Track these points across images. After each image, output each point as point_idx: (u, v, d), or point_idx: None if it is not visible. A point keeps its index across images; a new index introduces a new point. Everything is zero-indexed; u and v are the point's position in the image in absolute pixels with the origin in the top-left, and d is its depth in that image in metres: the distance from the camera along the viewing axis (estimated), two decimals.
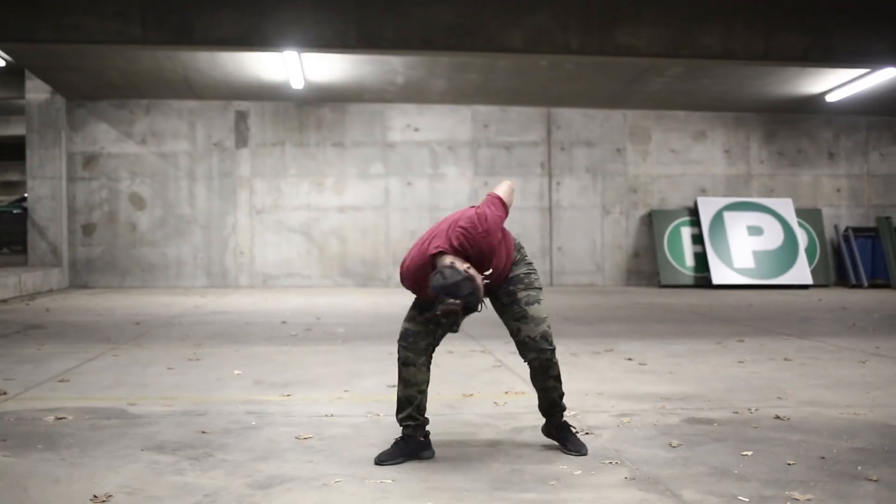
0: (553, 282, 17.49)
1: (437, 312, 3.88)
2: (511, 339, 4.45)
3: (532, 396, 5.86)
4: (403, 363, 4.26)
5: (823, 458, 4.27)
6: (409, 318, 4.32)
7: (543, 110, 17.85)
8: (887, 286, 17.58)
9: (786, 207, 18.01)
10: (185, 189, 17.31)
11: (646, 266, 18.09)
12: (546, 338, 4.33)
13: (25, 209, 18.59)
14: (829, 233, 18.55)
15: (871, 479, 3.88)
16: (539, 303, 4.38)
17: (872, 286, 17.65)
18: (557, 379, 4.42)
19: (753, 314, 11.98)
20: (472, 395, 5.97)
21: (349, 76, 15.44)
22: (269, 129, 17.44)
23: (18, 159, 25.25)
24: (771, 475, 3.97)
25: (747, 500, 3.61)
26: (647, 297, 15.15)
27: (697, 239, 17.80)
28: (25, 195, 20.48)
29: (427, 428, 4.34)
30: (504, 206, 4.32)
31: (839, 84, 15.86)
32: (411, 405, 4.28)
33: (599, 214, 17.95)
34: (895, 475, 3.96)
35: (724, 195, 18.31)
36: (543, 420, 4.59)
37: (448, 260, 4.00)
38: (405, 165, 17.64)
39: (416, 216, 17.45)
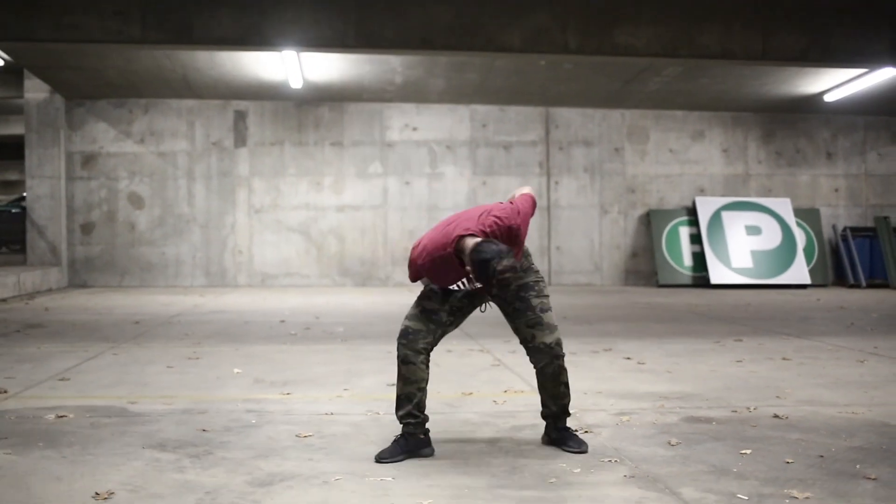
0: (551, 281, 17.50)
1: (496, 276, 3.83)
2: (519, 342, 4.48)
3: (531, 395, 5.88)
4: (403, 361, 4.27)
5: (822, 456, 4.29)
6: (411, 316, 4.33)
7: (542, 110, 17.87)
8: (885, 286, 17.61)
9: (784, 207, 18.03)
10: (184, 188, 17.32)
11: (644, 266, 18.11)
12: (560, 344, 4.39)
13: (24, 208, 18.60)
14: (827, 232, 18.58)
15: (869, 478, 3.90)
16: (551, 310, 4.44)
17: (870, 286, 17.68)
18: (567, 385, 4.46)
19: (752, 314, 12.00)
20: (471, 393, 5.98)
21: (348, 76, 15.45)
22: (267, 128, 17.46)
23: (17, 158, 25.25)
24: (769, 473, 3.98)
25: (746, 498, 3.62)
26: (646, 296, 15.17)
27: (695, 239, 17.82)
28: (24, 194, 20.48)
29: (427, 426, 4.36)
30: (534, 208, 4.44)
31: (837, 84, 15.89)
32: (411, 403, 4.29)
33: (598, 214, 17.97)
34: (893, 474, 3.97)
35: (723, 195, 18.33)
36: (542, 419, 4.61)
37: (478, 239, 4.00)
38: (403, 165, 17.65)
39: (414, 216, 17.46)
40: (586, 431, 4.77)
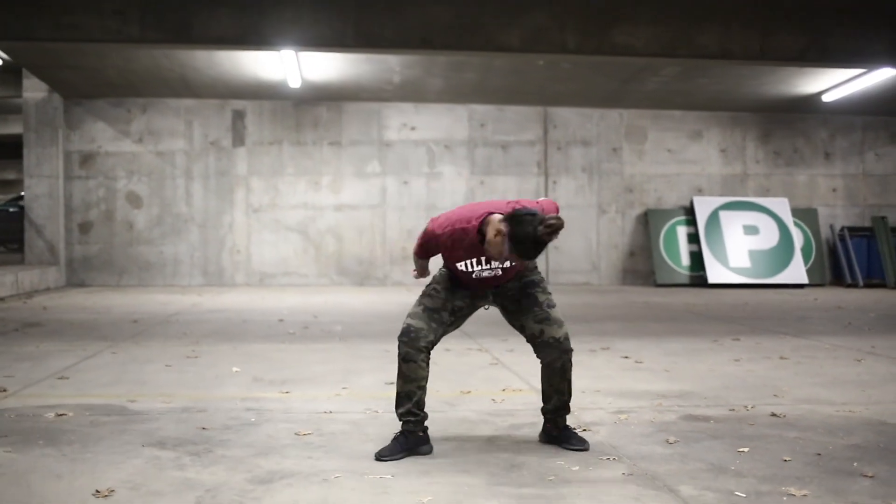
0: (549, 281, 17.51)
1: (548, 228, 3.84)
2: (526, 339, 4.50)
3: (529, 393, 5.91)
4: (404, 359, 4.27)
5: (819, 454, 4.30)
6: (413, 314, 4.33)
7: (540, 109, 17.88)
8: (883, 286, 17.64)
9: (782, 207, 18.06)
10: (182, 188, 17.32)
11: (642, 265, 18.13)
12: (568, 339, 4.44)
13: (22, 208, 18.59)
14: (824, 232, 18.61)
15: (866, 476, 3.92)
16: (556, 307, 4.48)
17: (868, 286, 17.70)
18: (570, 382, 4.50)
19: (749, 313, 12.02)
20: (469, 392, 6.00)
21: (346, 75, 15.46)
22: (265, 127, 17.46)
23: (15, 158, 25.23)
24: (767, 471, 4.00)
25: (744, 495, 3.64)
26: (643, 296, 15.18)
27: (693, 238, 17.84)
28: (22, 193, 20.48)
29: (425, 424, 4.37)
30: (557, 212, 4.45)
31: (835, 84, 15.91)
32: (411, 401, 4.30)
33: (595, 214, 17.99)
34: (890, 471, 3.99)
35: (720, 195, 18.35)
36: (541, 418, 4.63)
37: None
38: (402, 164, 17.66)
39: (412, 215, 17.47)
40: (584, 430, 4.79)
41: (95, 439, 4.57)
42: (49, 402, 5.54)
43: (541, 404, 4.63)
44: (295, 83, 15.44)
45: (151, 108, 17.27)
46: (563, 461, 4.19)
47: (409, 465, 4.11)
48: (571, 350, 4.45)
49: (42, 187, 16.73)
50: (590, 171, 17.97)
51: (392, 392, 5.80)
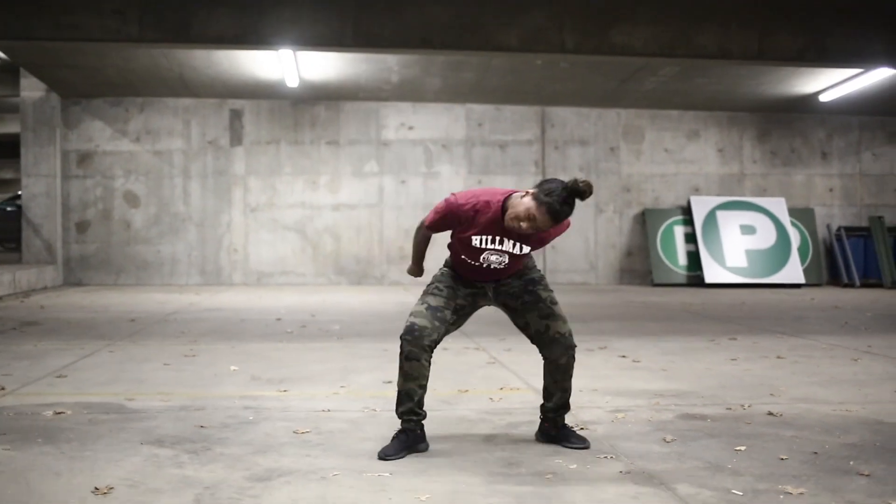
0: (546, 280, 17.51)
1: (576, 184, 3.92)
2: (529, 338, 4.50)
3: (527, 392, 5.92)
4: (407, 357, 4.24)
5: (816, 453, 4.32)
6: (416, 313, 4.30)
7: (538, 109, 17.90)
8: (879, 286, 17.67)
9: (779, 207, 18.08)
10: (180, 187, 17.33)
11: (639, 265, 18.15)
12: (572, 335, 4.45)
13: (20, 207, 18.58)
14: (821, 232, 18.64)
15: (862, 474, 3.93)
16: (559, 304, 4.50)
17: (864, 285, 17.74)
18: (571, 379, 4.51)
19: (746, 313, 12.04)
20: (467, 391, 6.01)
21: (344, 74, 15.48)
22: (263, 127, 17.47)
23: (13, 157, 25.22)
24: (764, 470, 4.01)
25: (741, 493, 3.65)
26: (640, 295, 15.20)
27: (690, 238, 17.87)
28: (20, 193, 20.47)
29: (423, 422, 4.39)
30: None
31: (832, 84, 15.94)
32: (413, 400, 4.30)
33: (593, 213, 18.00)
34: (887, 470, 4.01)
35: (718, 194, 18.38)
36: (539, 417, 4.64)
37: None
38: (399, 164, 17.68)
39: (410, 214, 17.48)
40: (582, 428, 4.80)
41: (94, 437, 4.57)
42: (47, 400, 5.55)
43: (539, 403, 4.64)
44: (293, 83, 15.45)
45: (149, 107, 17.27)
46: (561, 459, 4.20)
47: (407, 464, 4.12)
48: (575, 346, 4.46)
49: (39, 186, 16.73)
50: (587, 171, 17.98)
51: (390, 390, 5.84)
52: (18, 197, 21.77)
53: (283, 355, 7.69)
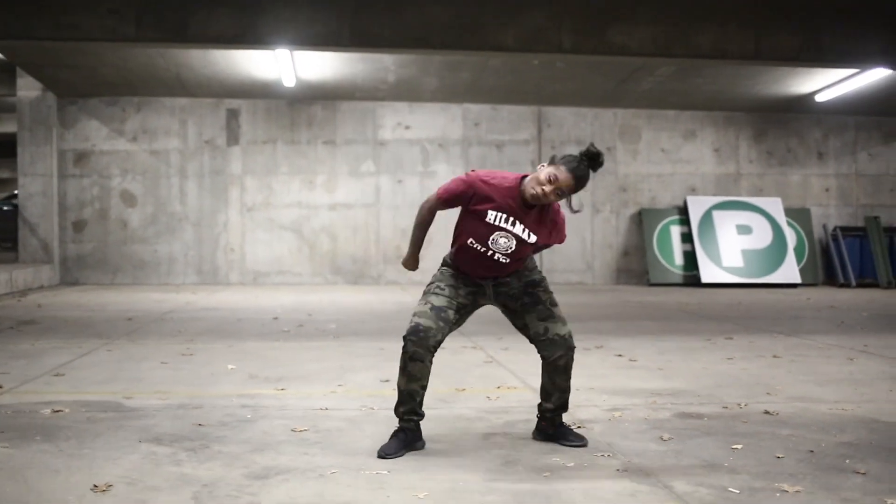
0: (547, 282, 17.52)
1: (593, 149, 4.15)
2: (529, 339, 4.52)
3: (524, 391, 5.93)
4: (411, 358, 4.23)
5: (812, 451, 4.33)
6: (421, 313, 4.28)
7: (534, 109, 17.91)
8: (875, 286, 17.70)
9: (775, 207, 18.11)
10: (177, 186, 17.32)
11: (635, 265, 18.17)
12: (572, 336, 4.47)
13: (16, 206, 18.57)
14: (817, 232, 18.66)
15: (858, 472, 3.95)
16: (559, 305, 4.52)
17: (860, 285, 17.76)
18: (570, 379, 4.52)
19: (742, 312, 12.06)
20: (464, 389, 6.02)
21: (341, 74, 15.48)
22: (260, 126, 17.47)
23: (9, 156, 25.19)
24: (760, 468, 4.03)
25: (738, 491, 3.67)
26: (637, 295, 15.22)
27: (687, 238, 17.89)
28: (16, 192, 20.45)
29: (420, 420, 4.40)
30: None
31: (828, 84, 15.96)
32: (414, 400, 4.30)
33: (589, 213, 18.02)
34: (882, 468, 4.02)
35: (714, 194, 18.40)
36: (536, 416, 4.65)
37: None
38: (396, 163, 17.68)
39: (406, 214, 17.48)
40: (579, 427, 4.82)
41: (92, 435, 4.58)
42: (45, 398, 5.55)
43: (536, 402, 4.66)
44: (290, 82, 15.46)
45: (146, 106, 17.26)
46: (559, 458, 4.22)
47: (404, 462, 4.13)
48: (575, 347, 4.47)
49: (36, 186, 16.72)
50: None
51: (387, 389, 5.86)
52: (15, 196, 21.75)
53: (280, 354, 7.70)
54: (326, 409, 5.32)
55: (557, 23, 11.20)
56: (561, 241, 4.51)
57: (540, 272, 4.60)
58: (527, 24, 11.16)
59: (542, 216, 4.35)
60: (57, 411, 5.14)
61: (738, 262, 17.52)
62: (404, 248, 16.49)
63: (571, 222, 17.73)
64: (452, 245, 4.47)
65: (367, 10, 10.91)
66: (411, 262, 4.60)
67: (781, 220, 17.94)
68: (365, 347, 8.13)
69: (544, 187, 4.15)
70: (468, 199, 4.29)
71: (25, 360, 7.22)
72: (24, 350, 7.81)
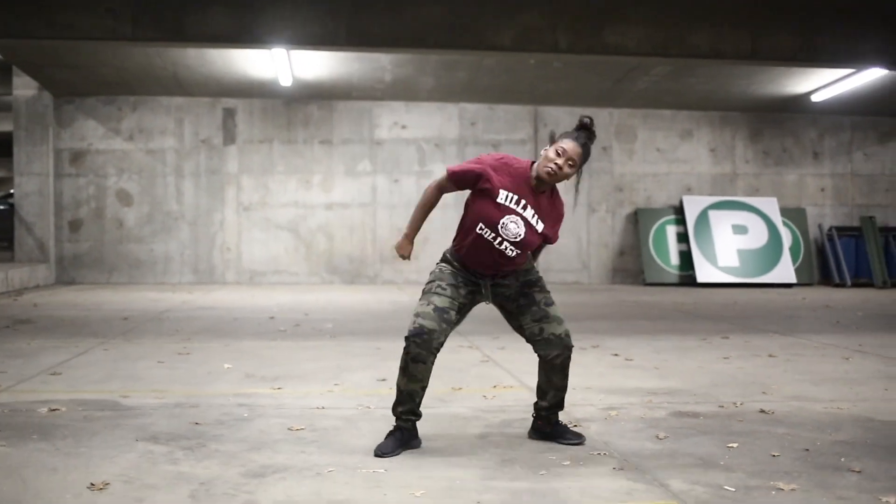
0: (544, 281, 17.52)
1: (585, 119, 4.32)
2: (525, 339, 4.53)
3: (520, 390, 5.94)
4: (414, 359, 4.22)
5: (807, 450, 4.35)
6: (424, 314, 4.25)
7: (531, 108, 17.92)
8: (870, 285, 17.73)
9: (770, 206, 18.13)
10: (173, 185, 17.31)
11: (631, 264, 18.19)
12: (569, 335, 4.48)
13: (12, 205, 18.56)
14: (813, 232, 18.69)
15: (853, 471, 3.96)
16: (555, 304, 4.53)
17: (855, 285, 17.79)
18: (567, 378, 4.53)
19: (738, 312, 12.08)
20: (461, 388, 6.03)
21: (337, 73, 15.48)
22: (256, 126, 17.47)
23: (5, 156, 25.17)
24: (756, 466, 4.04)
25: (733, 489, 3.68)
26: (633, 294, 15.24)
27: (682, 237, 17.91)
28: (12, 191, 20.45)
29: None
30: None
31: (824, 84, 15.98)
32: (414, 401, 4.31)
33: (585, 213, 18.03)
34: (877, 466, 4.04)
35: (710, 194, 18.42)
36: (531, 415, 4.66)
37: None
38: (393, 163, 17.68)
39: (403, 213, 17.48)
40: (575, 426, 4.83)
41: (89, 434, 4.58)
42: (42, 397, 5.55)
43: (532, 401, 4.67)
44: (286, 81, 15.45)
45: (142, 105, 17.25)
46: (555, 456, 4.23)
47: (401, 460, 4.14)
48: (572, 346, 4.48)
49: (32, 185, 16.70)
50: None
51: (383, 388, 5.87)
52: (11, 195, 21.73)
53: (277, 353, 7.70)
54: (323, 407, 5.32)
55: (553, 22, 11.21)
56: (554, 239, 4.51)
57: (537, 272, 4.61)
58: (523, 24, 11.17)
59: (550, 203, 4.43)
60: (53, 410, 5.14)
61: (734, 261, 17.54)
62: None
63: (567, 222, 17.79)
64: (456, 238, 4.46)
65: (364, 9, 10.91)
66: (405, 244, 4.54)
67: (777, 219, 17.96)
68: (361, 347, 8.14)
69: (557, 161, 4.25)
70: (478, 179, 4.32)
71: (22, 359, 7.22)
72: (21, 349, 7.81)
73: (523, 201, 4.28)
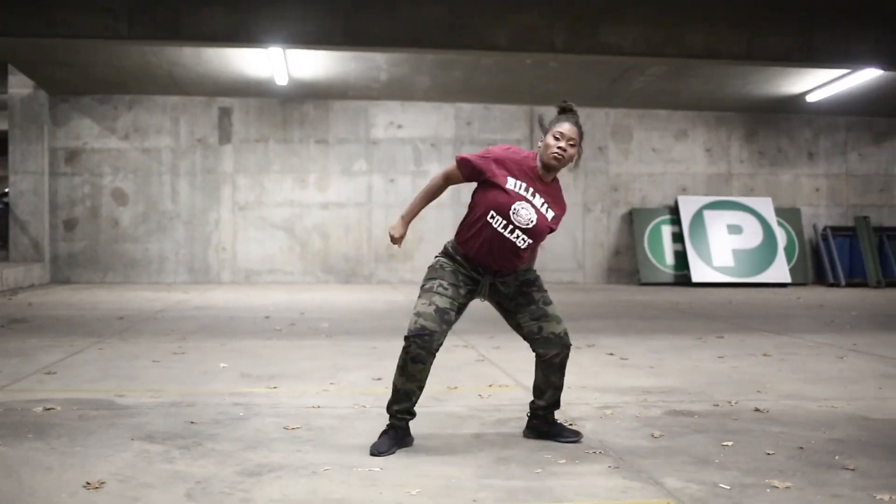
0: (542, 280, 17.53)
1: (564, 103, 4.43)
2: (523, 338, 4.54)
3: (516, 389, 5.95)
4: (413, 359, 4.22)
5: (802, 448, 4.36)
6: (425, 315, 4.24)
7: (527, 108, 17.93)
8: (864, 285, 17.76)
9: (765, 206, 18.16)
10: (168, 185, 17.30)
11: (626, 264, 18.20)
12: (568, 334, 4.51)
13: (7, 204, 18.52)
14: (807, 232, 18.72)
15: (847, 469, 3.98)
16: (553, 304, 4.54)
17: (850, 285, 17.82)
18: (564, 377, 4.55)
19: (733, 311, 12.10)
20: (456, 387, 6.04)
21: (333, 73, 15.48)
22: (252, 125, 17.46)
23: (0, 154, 25.14)
24: (751, 464, 4.05)
25: (728, 487, 3.69)
26: (628, 294, 15.26)
27: (678, 237, 17.93)
28: (7, 190, 20.42)
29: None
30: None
31: (819, 84, 16.01)
32: (410, 400, 4.31)
33: (581, 212, 18.05)
34: (871, 464, 4.05)
35: (705, 194, 18.44)
36: (526, 414, 4.67)
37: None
38: (388, 162, 17.69)
39: (398, 213, 17.35)
40: (571, 424, 4.83)
41: (84, 433, 4.58)
42: (37, 396, 5.55)
43: (528, 400, 4.67)
44: (282, 80, 15.45)
45: (138, 104, 17.24)
46: (550, 455, 4.24)
47: (396, 459, 4.14)
48: (570, 345, 4.50)
49: (27, 184, 16.68)
50: (575, 170, 17.98)
51: (379, 387, 5.87)
52: (6, 194, 21.70)
53: (273, 353, 7.70)
54: (319, 406, 5.33)
55: (550, 22, 11.22)
56: (555, 227, 4.51)
57: (535, 271, 4.62)
58: (519, 24, 11.17)
59: (556, 192, 4.45)
60: (49, 409, 5.14)
61: (729, 261, 17.57)
62: (397, 247, 16.50)
63: (563, 222, 17.80)
64: (460, 232, 4.45)
65: (360, 8, 10.91)
66: (399, 226, 4.58)
67: (772, 219, 18.00)
68: (357, 346, 8.14)
69: (560, 144, 4.30)
70: (485, 171, 4.38)
71: (17, 358, 7.21)
72: (16, 348, 7.80)
73: (532, 189, 4.33)
